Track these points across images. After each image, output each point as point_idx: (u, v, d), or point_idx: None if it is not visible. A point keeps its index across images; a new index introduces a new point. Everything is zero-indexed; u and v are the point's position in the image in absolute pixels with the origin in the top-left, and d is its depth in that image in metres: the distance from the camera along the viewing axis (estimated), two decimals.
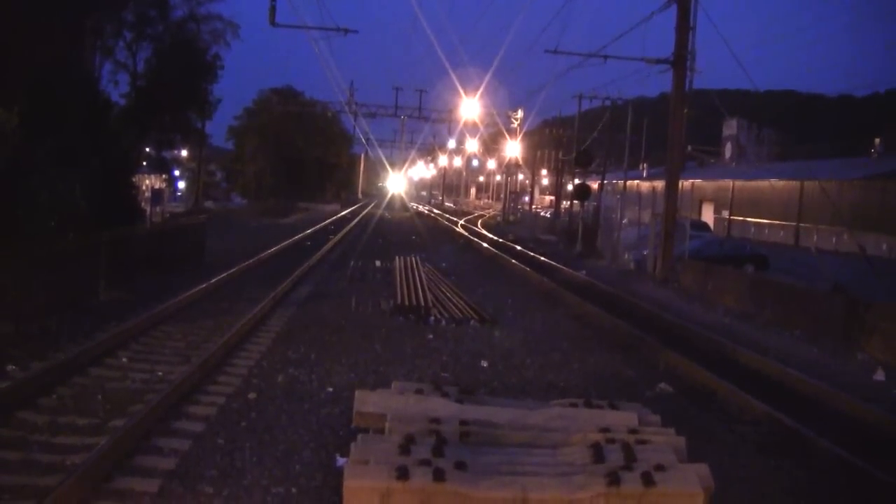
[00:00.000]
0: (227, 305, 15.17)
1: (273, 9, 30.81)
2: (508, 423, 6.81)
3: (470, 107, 62.05)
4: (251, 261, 21.75)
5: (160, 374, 10.06)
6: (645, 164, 70.86)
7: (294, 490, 6.63)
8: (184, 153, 66.53)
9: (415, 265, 22.39)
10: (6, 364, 9.76)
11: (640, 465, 5.76)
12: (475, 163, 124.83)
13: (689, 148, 57.24)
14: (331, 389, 9.78)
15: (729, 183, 60.25)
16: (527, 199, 76.84)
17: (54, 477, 6.33)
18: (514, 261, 27.91)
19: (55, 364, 9.67)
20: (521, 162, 76.65)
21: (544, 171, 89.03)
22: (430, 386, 8.03)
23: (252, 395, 9.27)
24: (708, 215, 58.94)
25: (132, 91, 39.59)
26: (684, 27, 24.79)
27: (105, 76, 36.77)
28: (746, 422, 9.57)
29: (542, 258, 29.73)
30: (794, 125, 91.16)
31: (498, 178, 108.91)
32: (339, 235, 36.37)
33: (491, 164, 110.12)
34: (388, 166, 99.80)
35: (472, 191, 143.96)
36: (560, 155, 61.27)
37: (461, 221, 56.95)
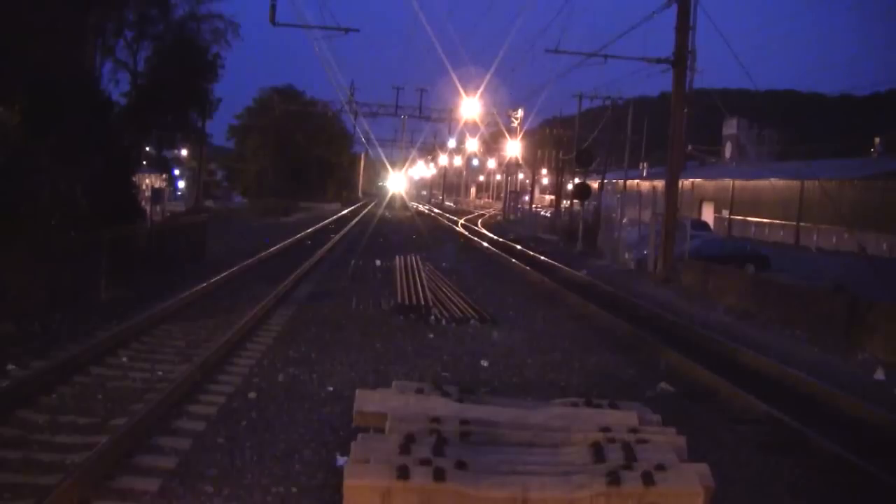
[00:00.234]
0: (227, 304, 15.17)
1: (273, 8, 30.82)
2: (509, 423, 6.81)
3: (470, 106, 62.04)
4: (252, 260, 21.75)
5: (161, 373, 10.06)
6: (645, 164, 70.89)
7: (294, 489, 6.63)
8: (184, 152, 66.53)
9: (415, 264, 22.39)
10: (6, 363, 9.76)
11: (640, 465, 5.77)
12: (475, 162, 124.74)
13: (690, 147, 57.19)
14: (331, 388, 9.78)
15: (729, 182, 60.23)
16: (527, 198, 76.73)
17: (54, 476, 6.33)
18: (514, 260, 27.92)
19: (56, 363, 9.67)
20: (521, 161, 76.66)
21: (544, 171, 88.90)
22: (431, 385, 8.04)
23: (252, 395, 9.27)
24: (708, 215, 58.90)
25: (133, 90, 39.56)
26: (684, 27, 24.79)
27: (106, 75, 36.75)
28: (747, 421, 9.56)
29: (543, 257, 29.73)
30: (794, 125, 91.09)
31: (498, 177, 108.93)
32: (340, 235, 36.38)
33: (491, 163, 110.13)
34: (388, 166, 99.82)
35: (473, 190, 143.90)
36: (560, 154, 61.22)
37: (461, 221, 56.96)
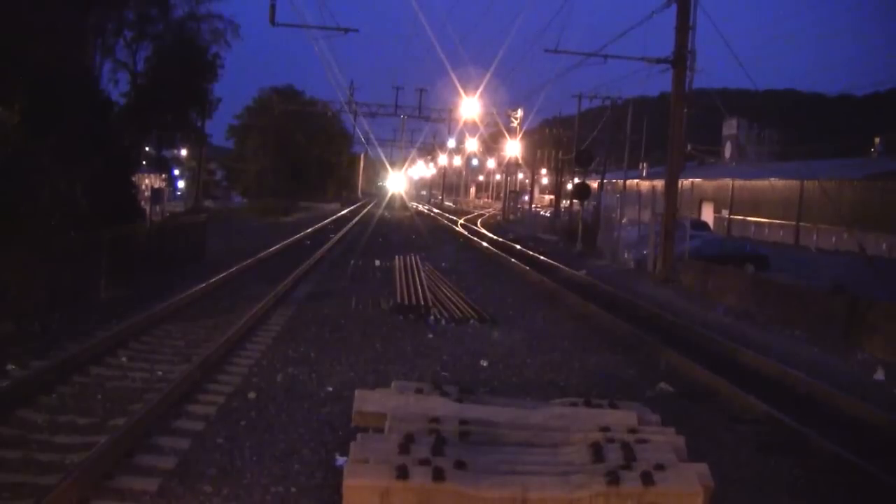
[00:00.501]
0: (227, 304, 15.17)
1: (273, 8, 30.84)
2: (508, 423, 6.82)
3: (470, 106, 62.07)
4: (251, 260, 21.74)
5: (160, 372, 10.06)
6: (645, 164, 70.90)
7: (294, 489, 6.63)
8: (183, 152, 66.56)
9: (415, 264, 22.40)
10: (6, 362, 9.76)
11: (639, 465, 5.77)
12: (475, 162, 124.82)
13: (689, 147, 57.23)
14: (331, 388, 9.78)
15: (729, 182, 60.23)
16: (527, 198, 76.80)
17: (54, 476, 6.33)
18: (513, 260, 27.92)
19: (55, 362, 9.67)
20: (520, 161, 76.70)
21: (544, 171, 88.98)
22: (430, 385, 8.04)
23: (252, 395, 9.27)
24: (708, 215, 58.89)
25: (132, 90, 39.60)
26: (684, 26, 24.78)
27: (105, 75, 36.82)
28: (746, 421, 9.56)
29: (542, 257, 29.73)
30: (794, 124, 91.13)
31: (498, 177, 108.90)
32: (340, 234, 36.38)
33: (491, 163, 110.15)
34: (388, 165, 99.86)
35: (472, 190, 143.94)
36: (560, 154, 61.26)
37: (461, 221, 56.96)
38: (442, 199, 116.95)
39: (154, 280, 17.31)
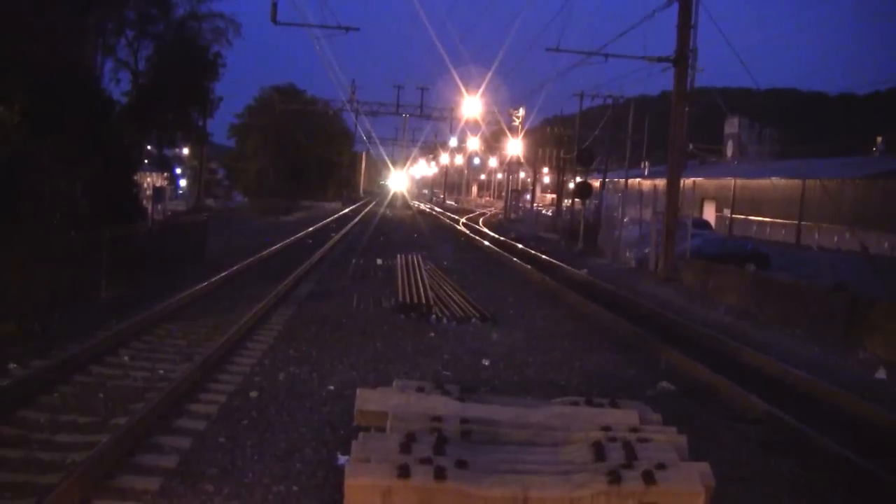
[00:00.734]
0: (228, 303, 15.18)
1: (275, 7, 30.82)
2: (510, 422, 6.81)
3: (471, 105, 62.09)
4: (253, 259, 21.75)
5: (162, 371, 10.06)
6: (646, 163, 70.87)
7: (295, 488, 6.63)
8: (185, 151, 66.58)
9: (416, 263, 22.39)
10: (7, 362, 9.76)
11: (641, 464, 5.77)
12: (476, 161, 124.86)
13: (691, 146, 57.18)
14: (332, 387, 9.78)
15: (730, 181, 60.20)
16: (528, 197, 76.77)
17: (55, 475, 6.33)
18: (515, 259, 27.91)
19: (56, 362, 9.67)
20: (522, 160, 76.66)
21: (546, 170, 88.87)
22: (432, 384, 8.05)
23: (253, 394, 9.27)
24: (709, 213, 58.86)
25: (133, 89, 39.59)
26: (686, 25, 24.77)
27: (106, 74, 36.82)
28: (748, 420, 9.56)
29: (544, 256, 29.72)
30: (795, 123, 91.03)
31: (499, 176, 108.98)
32: (341, 234, 36.38)
33: (492, 162, 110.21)
34: (389, 164, 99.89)
35: (474, 189, 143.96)
36: (561, 153, 61.24)
37: (463, 219, 56.96)
38: (444, 198, 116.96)
39: (155, 279, 17.31)
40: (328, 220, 47.43)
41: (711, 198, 61.78)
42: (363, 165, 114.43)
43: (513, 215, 69.13)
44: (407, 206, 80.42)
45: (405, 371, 10.85)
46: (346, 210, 63.16)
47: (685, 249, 26.06)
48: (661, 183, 34.26)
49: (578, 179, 46.87)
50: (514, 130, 65.19)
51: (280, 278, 17.94)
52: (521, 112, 64.11)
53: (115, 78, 38.75)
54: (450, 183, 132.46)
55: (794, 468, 7.99)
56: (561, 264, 26.93)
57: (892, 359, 14.00)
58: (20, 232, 13.71)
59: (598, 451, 6.03)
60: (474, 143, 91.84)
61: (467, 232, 43.70)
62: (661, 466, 5.72)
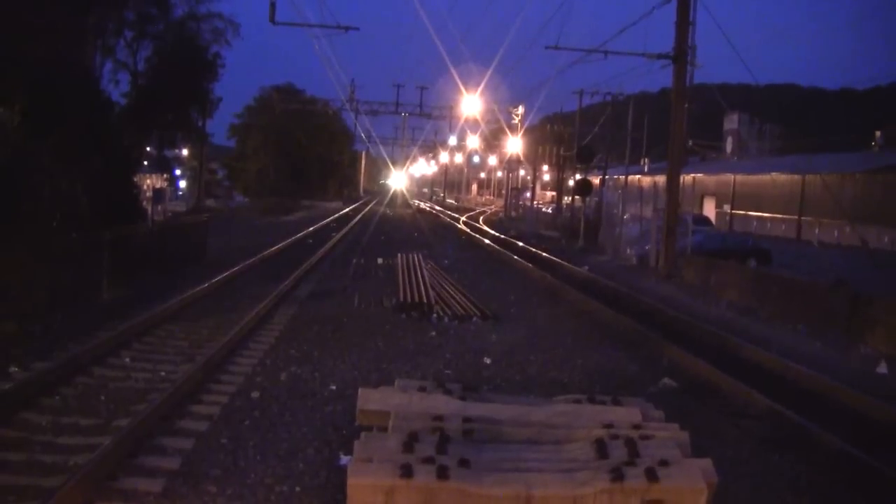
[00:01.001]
0: (229, 304, 15.17)
1: (273, 6, 30.80)
2: (512, 420, 6.80)
3: (471, 103, 62.07)
4: (253, 259, 21.75)
5: (163, 373, 10.06)
6: (646, 159, 70.83)
7: (298, 488, 6.63)
8: (185, 152, 66.58)
9: (417, 262, 22.38)
10: (8, 364, 9.76)
11: (643, 461, 5.75)
12: (476, 159, 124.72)
13: (691, 143, 57.16)
14: (334, 387, 9.78)
15: (730, 177, 60.20)
16: (528, 195, 76.70)
17: (58, 477, 6.33)
18: (516, 257, 27.91)
19: (58, 363, 9.67)
20: (522, 158, 76.58)
21: (545, 167, 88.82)
22: (434, 383, 8.03)
23: (255, 394, 9.27)
24: (709, 210, 58.87)
25: (133, 90, 39.60)
26: (685, 22, 24.74)
27: (106, 75, 36.82)
28: (750, 416, 9.55)
29: (545, 254, 29.71)
30: (795, 119, 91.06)
31: (499, 174, 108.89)
32: (341, 233, 36.38)
33: (492, 160, 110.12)
34: (389, 163, 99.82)
35: (474, 187, 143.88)
36: (561, 151, 61.18)
37: (463, 218, 56.96)
38: (444, 197, 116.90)
39: (156, 280, 17.31)
40: (328, 219, 47.44)
41: (711, 194, 61.79)
42: (363, 165, 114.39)
43: (513, 213, 69.08)
44: (407, 204, 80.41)
45: (407, 370, 10.84)
46: (347, 209, 63.17)
47: (686, 246, 26.03)
48: (661, 179, 34.27)
49: (578, 177, 46.77)
50: (513, 128, 65.14)
51: (281, 278, 17.95)
52: (521, 110, 64.07)
53: (115, 79, 38.81)
54: (450, 181, 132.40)
55: (796, 464, 7.98)
56: (561, 262, 26.92)
57: (893, 354, 13.99)
58: (21, 232, 13.71)
59: (601, 449, 6.02)
60: (474, 142, 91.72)
61: (467, 230, 43.69)
62: (664, 463, 5.71)
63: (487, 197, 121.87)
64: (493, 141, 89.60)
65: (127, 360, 10.63)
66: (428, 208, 78.95)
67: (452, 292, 17.67)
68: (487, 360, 11.70)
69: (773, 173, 52.50)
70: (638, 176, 58.79)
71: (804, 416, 9.12)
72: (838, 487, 7.52)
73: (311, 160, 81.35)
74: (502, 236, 39.77)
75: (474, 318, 15.10)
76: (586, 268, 25.91)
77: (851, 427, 9.20)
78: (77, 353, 10.18)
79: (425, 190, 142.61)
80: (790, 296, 18.39)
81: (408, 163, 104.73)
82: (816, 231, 45.80)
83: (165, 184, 47.11)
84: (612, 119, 49.09)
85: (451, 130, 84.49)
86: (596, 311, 16.88)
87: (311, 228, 37.04)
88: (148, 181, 44.78)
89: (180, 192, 63.89)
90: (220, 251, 23.92)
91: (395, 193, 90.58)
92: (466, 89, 59.94)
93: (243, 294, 16.23)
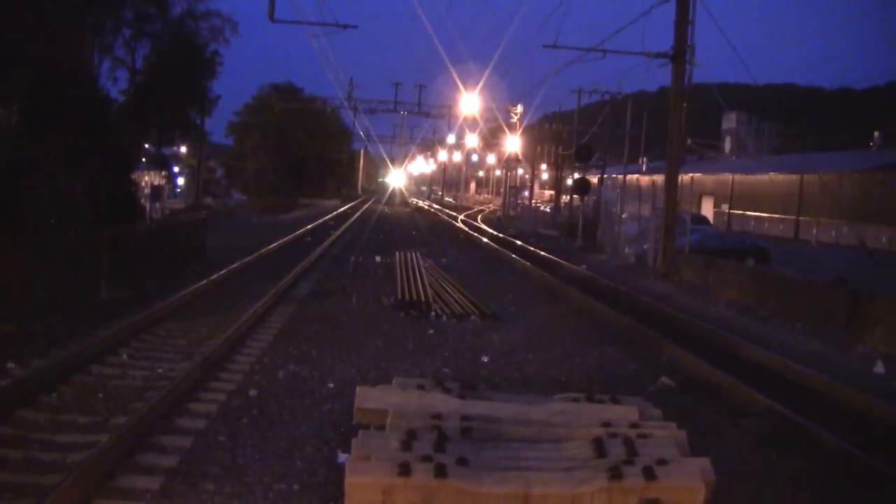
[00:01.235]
0: (228, 302, 15.16)
1: (272, 4, 30.76)
2: (510, 419, 6.81)
3: (469, 102, 62.01)
4: (252, 257, 21.75)
5: (161, 371, 10.06)
6: (645, 158, 70.85)
7: (296, 487, 6.63)
8: (183, 150, 66.50)
9: (415, 260, 22.39)
10: (7, 362, 9.75)
11: (641, 460, 5.76)
12: (475, 158, 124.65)
13: (689, 142, 57.17)
14: (332, 385, 9.78)
15: (729, 177, 60.22)
16: (526, 193, 76.69)
17: (56, 475, 6.32)
18: (514, 255, 27.92)
19: (56, 362, 9.66)
20: (520, 157, 76.56)
21: (544, 166, 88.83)
22: (432, 381, 8.03)
23: (253, 392, 9.26)
24: (708, 209, 58.90)
25: (131, 88, 39.55)
26: (683, 21, 24.75)
27: (104, 73, 36.75)
28: (748, 415, 9.55)
29: (543, 253, 29.72)
30: (793, 118, 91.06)
31: (497, 172, 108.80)
32: (340, 231, 36.38)
33: (490, 158, 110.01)
34: (388, 162, 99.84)
35: (472, 186, 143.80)
36: (560, 149, 61.17)
37: (461, 216, 56.96)
38: (442, 195, 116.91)
39: (155, 279, 17.28)
40: (327, 217, 47.43)
41: (709, 193, 61.80)
42: (361, 163, 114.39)
43: (511, 212, 69.06)
44: (405, 203, 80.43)
45: (405, 368, 10.84)
46: (345, 208, 63.18)
47: (684, 245, 26.05)
48: (659, 179, 34.31)
49: (577, 176, 46.76)
50: (512, 127, 65.11)
51: (280, 277, 17.94)
52: (519, 109, 64.04)
53: (113, 77, 38.72)
54: (448, 180, 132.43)
55: (794, 463, 7.99)
56: (560, 261, 26.93)
57: (891, 353, 14.01)
58: (20, 232, 13.70)
59: (599, 448, 6.03)
60: (472, 141, 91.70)
61: (466, 229, 43.69)
62: (662, 462, 5.72)
63: (486, 195, 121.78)
64: (491, 139, 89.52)
65: (125, 358, 10.62)
66: (426, 207, 78.96)
67: (451, 291, 17.67)
68: (486, 359, 11.70)
69: (772, 173, 52.50)
70: (636, 175, 58.80)
71: (803, 415, 9.13)
72: (837, 486, 7.53)
73: (310, 159, 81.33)
74: (500, 235, 39.78)
75: (472, 317, 15.11)
76: (584, 266, 25.92)
77: (849, 426, 9.21)
78: (76, 352, 10.17)
79: (423, 188, 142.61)
80: (789, 294, 18.41)
81: (406, 161, 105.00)
82: (814, 230, 45.82)
83: (164, 181, 46.96)
84: (610, 118, 49.07)
85: (450, 129, 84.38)
86: (594, 309, 16.88)
87: (310, 226, 37.05)
88: (146, 178, 44.67)
89: (178, 190, 63.74)
90: (219, 249, 23.90)
91: (393, 192, 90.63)
92: (465, 88, 59.95)
93: (242, 292, 16.22)
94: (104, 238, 15.93)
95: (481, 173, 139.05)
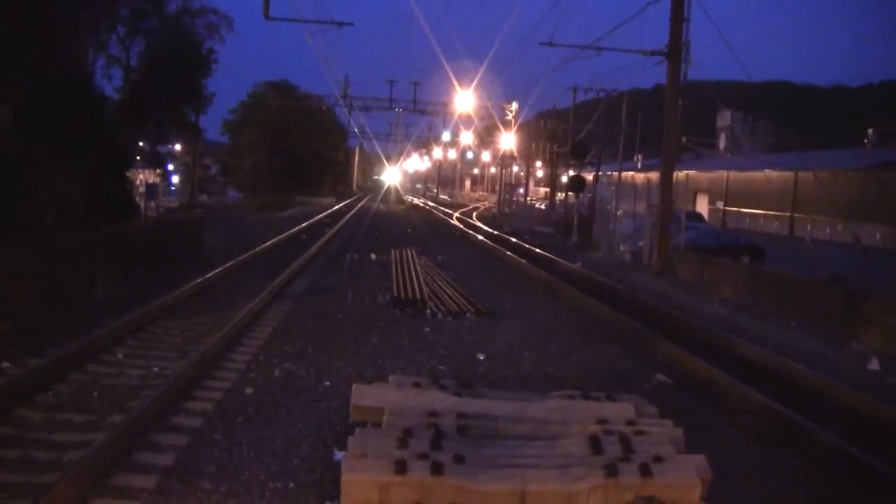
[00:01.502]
0: (224, 300, 15.15)
1: (267, 1, 30.72)
2: (507, 416, 6.81)
3: (465, 99, 62.15)
4: (247, 255, 21.72)
5: (157, 369, 10.05)
6: (640, 156, 70.91)
7: (292, 484, 6.63)
8: (178, 147, 66.32)
9: (411, 258, 22.38)
10: (2, 361, 9.74)
11: (637, 457, 5.77)
12: (470, 155, 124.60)
13: (684, 139, 57.22)
14: (328, 383, 9.78)
15: (724, 174, 60.26)
16: (522, 191, 76.75)
17: (52, 474, 6.32)
18: (509, 253, 27.91)
19: (52, 360, 9.65)
20: (515, 154, 76.60)
21: (539, 164, 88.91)
22: (428, 379, 8.03)
23: (249, 390, 9.26)
24: (703, 206, 58.93)
25: (126, 85, 39.37)
26: (678, 19, 24.78)
27: (98, 71, 36.55)
28: (744, 412, 9.58)
29: (538, 250, 29.73)
30: (788, 116, 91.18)
31: (493, 170, 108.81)
32: (335, 229, 36.35)
33: (486, 156, 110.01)
34: (383, 159, 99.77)
35: (467, 183, 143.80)
36: (555, 147, 61.23)
37: (456, 214, 56.96)
38: (437, 193, 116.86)
39: (151, 277, 17.27)
40: (322, 215, 47.37)
41: (704, 191, 61.87)
42: (356, 161, 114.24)
43: (506, 209, 69.07)
44: (400, 200, 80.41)
45: (401, 366, 10.85)
46: (341, 205, 63.10)
47: (679, 242, 26.09)
48: (654, 176, 34.34)
49: (572, 173, 46.80)
50: (507, 125, 65.16)
51: (275, 274, 17.92)
52: (514, 106, 64.12)
53: (108, 74, 38.49)
54: (443, 177, 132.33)
55: (791, 460, 8.01)
56: (555, 258, 26.94)
57: (885, 350, 14.05)
58: (15, 230, 13.67)
59: (595, 445, 6.03)
60: (467, 138, 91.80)
61: (461, 226, 43.69)
62: (658, 459, 5.73)
63: (481, 193, 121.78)
64: (486, 137, 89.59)
65: (121, 356, 10.61)
66: (421, 204, 78.92)
67: (446, 288, 17.68)
68: (482, 356, 11.71)
69: (766, 170, 52.52)
70: (631, 172, 58.82)
71: (799, 413, 9.15)
72: (833, 483, 7.55)
73: (305, 156, 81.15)
74: (496, 232, 39.76)
75: (468, 315, 15.11)
76: (580, 264, 25.94)
77: (845, 423, 9.23)
78: (71, 350, 10.15)
79: (419, 186, 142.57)
80: (784, 292, 18.44)
81: (401, 158, 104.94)
82: (809, 228, 45.87)
83: (158, 179, 46.89)
84: (605, 115, 49.11)
85: (445, 126, 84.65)
86: (590, 307, 16.90)
87: (305, 224, 37.00)
88: (141, 176, 44.67)
89: (173, 188, 63.57)
90: (215, 247, 23.89)
91: (388, 189, 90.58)
92: (460, 85, 60.08)
93: (238, 290, 16.21)
94: (100, 236, 15.90)
95: (476, 171, 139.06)
